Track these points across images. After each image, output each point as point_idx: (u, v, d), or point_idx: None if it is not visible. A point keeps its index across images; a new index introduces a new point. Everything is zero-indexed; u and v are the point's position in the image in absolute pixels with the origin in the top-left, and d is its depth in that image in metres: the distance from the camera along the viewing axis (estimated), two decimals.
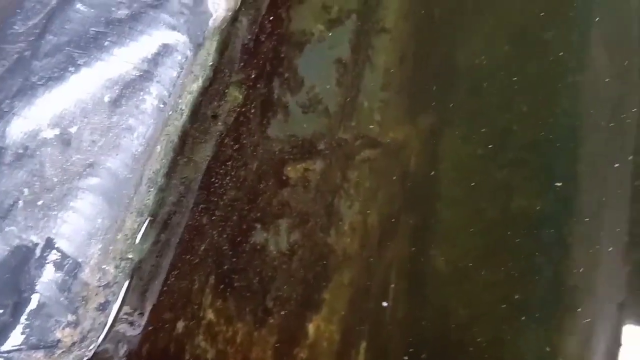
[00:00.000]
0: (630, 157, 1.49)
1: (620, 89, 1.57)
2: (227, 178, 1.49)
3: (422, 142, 1.58)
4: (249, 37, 1.46)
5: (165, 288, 1.32)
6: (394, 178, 1.56)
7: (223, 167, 1.47)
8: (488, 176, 1.51)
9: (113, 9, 1.17)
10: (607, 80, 1.61)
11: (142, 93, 1.14)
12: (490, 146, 1.51)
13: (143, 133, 1.14)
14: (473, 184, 1.52)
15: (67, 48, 1.13)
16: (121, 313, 1.32)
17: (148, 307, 1.35)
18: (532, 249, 1.42)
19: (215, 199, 1.48)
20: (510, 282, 1.40)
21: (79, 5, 1.16)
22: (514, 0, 1.75)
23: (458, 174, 1.53)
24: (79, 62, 1.13)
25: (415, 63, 1.69)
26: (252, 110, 1.55)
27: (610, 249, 1.43)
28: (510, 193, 1.47)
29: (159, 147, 1.21)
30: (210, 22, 1.22)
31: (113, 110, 1.13)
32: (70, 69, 1.12)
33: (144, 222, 1.19)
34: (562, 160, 1.50)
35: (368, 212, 1.53)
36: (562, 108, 1.55)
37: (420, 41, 1.72)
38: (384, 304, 1.40)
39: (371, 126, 1.61)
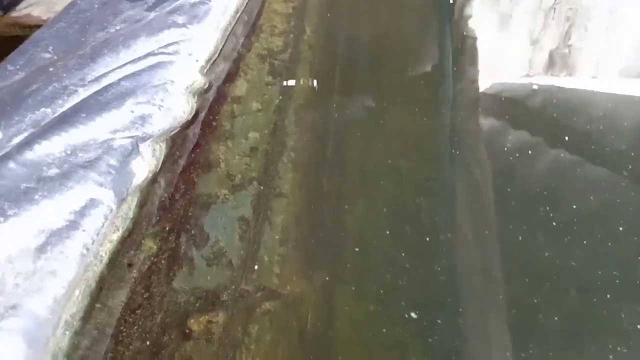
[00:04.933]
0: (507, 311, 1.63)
1: (483, 247, 1.79)
2: (135, 327, 1.52)
3: (318, 298, 1.65)
4: (165, 195, 1.65)
5: None
6: (294, 333, 1.58)
7: (132, 315, 1.52)
8: (381, 333, 1.56)
9: (44, 167, 1.31)
10: (471, 240, 1.84)
11: (67, 240, 1.24)
12: (380, 302, 1.60)
13: (66, 277, 1.21)
14: (368, 341, 1.55)
15: None
16: None
17: None
18: None
19: (122, 349, 1.48)
20: None
21: (12, 165, 1.29)
22: (389, 175, 2.03)
23: (353, 330, 1.58)
24: (8, 213, 1.22)
25: (309, 224, 1.87)
26: (163, 262, 1.66)
27: None
28: (404, 350, 1.55)
29: (77, 291, 1.28)
30: (134, 181, 1.41)
31: (38, 256, 1.21)
32: None
33: None
34: (445, 316, 1.59)
35: None
36: (440, 265, 1.69)
37: (313, 206, 1.92)
38: None
39: (271, 278, 1.71)
